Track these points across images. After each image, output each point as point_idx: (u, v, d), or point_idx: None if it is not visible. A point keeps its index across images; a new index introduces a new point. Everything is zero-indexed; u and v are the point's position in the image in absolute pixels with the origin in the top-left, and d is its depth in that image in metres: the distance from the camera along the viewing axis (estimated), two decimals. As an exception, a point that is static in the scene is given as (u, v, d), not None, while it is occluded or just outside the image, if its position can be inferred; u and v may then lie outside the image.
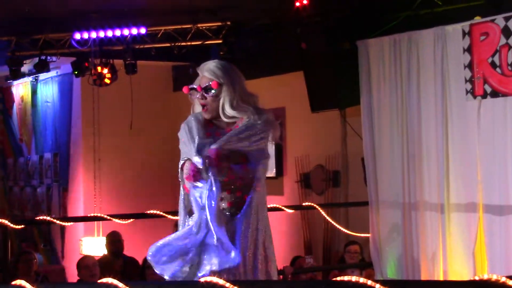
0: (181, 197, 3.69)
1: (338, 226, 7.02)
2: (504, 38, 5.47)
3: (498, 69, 5.53)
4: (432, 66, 5.99)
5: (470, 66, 5.69)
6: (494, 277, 2.69)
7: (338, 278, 2.88)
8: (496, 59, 5.53)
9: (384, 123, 6.47)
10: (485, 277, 2.69)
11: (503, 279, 2.68)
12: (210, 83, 3.66)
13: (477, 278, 2.73)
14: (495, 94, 5.56)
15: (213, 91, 3.66)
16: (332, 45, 7.00)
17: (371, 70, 6.54)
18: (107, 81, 8.43)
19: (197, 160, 3.51)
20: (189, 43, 8.15)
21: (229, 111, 3.64)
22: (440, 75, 5.93)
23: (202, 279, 2.94)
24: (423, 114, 6.09)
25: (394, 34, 6.35)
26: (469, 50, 5.70)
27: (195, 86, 3.71)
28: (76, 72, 8.58)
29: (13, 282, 2.90)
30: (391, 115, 6.39)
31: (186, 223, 3.63)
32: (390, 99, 6.38)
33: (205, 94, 3.68)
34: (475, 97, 5.69)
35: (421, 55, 6.09)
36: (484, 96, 5.62)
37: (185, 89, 3.74)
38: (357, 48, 6.65)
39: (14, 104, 10.93)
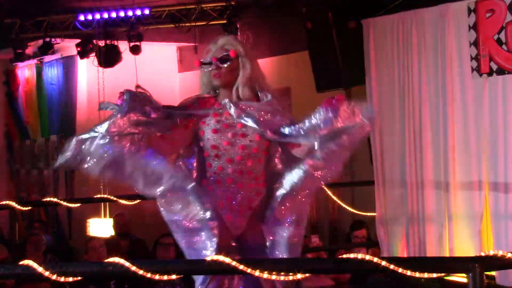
0: None
1: (344, 206, 7.03)
2: (510, 15, 5.44)
3: (504, 46, 5.50)
4: (437, 44, 5.96)
5: (475, 43, 5.66)
6: (500, 253, 2.71)
7: (345, 256, 2.89)
8: (502, 36, 5.50)
9: (389, 102, 6.45)
10: (491, 253, 2.70)
11: (509, 255, 2.69)
12: (227, 53, 3.57)
13: (483, 254, 2.75)
14: (501, 71, 5.53)
15: (230, 60, 3.58)
16: (337, 24, 6.96)
17: (377, 49, 6.50)
18: (111, 62, 8.42)
19: None
20: (193, 24, 8.12)
21: (242, 90, 3.60)
22: (446, 53, 5.90)
23: (208, 258, 2.95)
24: (429, 92, 6.07)
25: (399, 12, 6.31)
26: (474, 27, 5.67)
27: (208, 59, 3.61)
28: (80, 54, 8.57)
29: (21, 262, 2.92)
30: (396, 93, 6.37)
31: None
32: (396, 78, 6.35)
33: (220, 65, 3.60)
34: (481, 74, 5.66)
35: (427, 33, 6.06)
36: (490, 73, 5.60)
37: (196, 63, 3.68)
38: (362, 27, 6.61)
39: (19, 87, 10.93)
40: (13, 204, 6.02)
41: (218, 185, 3.61)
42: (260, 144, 3.61)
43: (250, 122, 3.52)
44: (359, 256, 2.82)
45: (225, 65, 3.58)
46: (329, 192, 6.92)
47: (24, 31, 8.36)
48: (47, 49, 8.54)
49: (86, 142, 3.37)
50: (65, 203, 6.49)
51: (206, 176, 3.65)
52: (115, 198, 6.40)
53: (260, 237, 3.62)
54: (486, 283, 2.71)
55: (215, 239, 3.39)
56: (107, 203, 8.42)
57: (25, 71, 10.79)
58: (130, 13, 7.96)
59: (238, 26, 8.09)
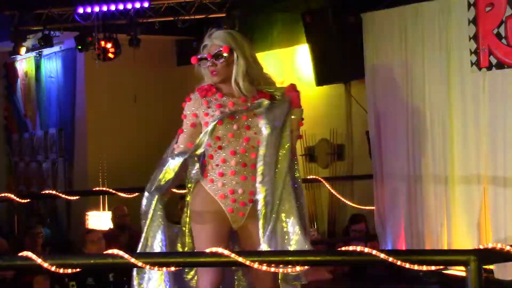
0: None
1: (343, 199, 7.03)
2: (510, 9, 5.43)
3: (503, 41, 5.49)
4: (437, 38, 5.96)
5: (475, 37, 5.66)
6: (498, 246, 2.71)
7: (343, 248, 2.89)
8: (502, 30, 5.49)
9: (388, 96, 6.45)
10: (490, 246, 2.70)
11: (508, 248, 2.70)
12: (221, 49, 3.59)
13: (481, 247, 2.75)
14: (500, 65, 5.53)
15: (224, 57, 3.58)
16: (337, 18, 6.96)
17: (376, 43, 6.50)
18: (110, 55, 8.40)
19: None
20: (192, 17, 8.11)
21: (242, 83, 3.58)
22: (445, 47, 5.90)
23: (207, 250, 2.95)
24: (428, 86, 6.07)
25: (399, 6, 6.31)
26: (474, 21, 5.66)
27: (204, 55, 3.63)
28: (79, 47, 8.56)
29: (20, 254, 2.91)
30: (395, 88, 6.37)
31: None
32: (395, 72, 6.35)
33: (216, 61, 3.60)
34: (480, 69, 5.66)
35: (426, 27, 6.06)
36: (489, 68, 5.60)
37: (193, 60, 3.66)
38: (362, 21, 6.61)
39: (18, 80, 10.92)
40: (12, 196, 6.01)
41: (220, 177, 3.60)
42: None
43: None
44: (358, 248, 2.82)
45: (220, 61, 3.58)
46: (328, 186, 6.93)
47: (23, 23, 8.34)
48: (46, 42, 8.52)
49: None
50: (64, 196, 6.48)
51: (207, 168, 3.64)
52: (114, 191, 6.40)
53: (257, 233, 3.61)
54: (484, 277, 2.71)
55: None
56: (106, 196, 8.42)
57: (24, 64, 10.77)
58: (129, 5, 7.95)
59: (237, 19, 8.08)
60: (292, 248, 3.48)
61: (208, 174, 3.63)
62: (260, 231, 3.52)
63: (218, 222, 3.60)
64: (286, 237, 3.51)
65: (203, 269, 3.57)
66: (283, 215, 3.54)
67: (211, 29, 3.70)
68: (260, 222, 3.53)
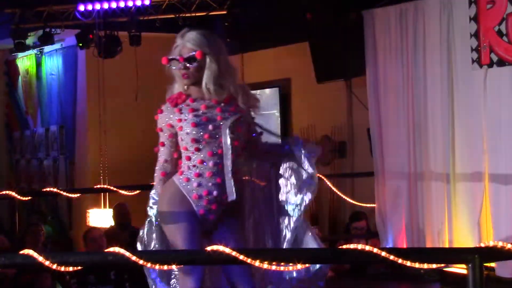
0: None
1: (344, 197, 7.03)
2: (511, 6, 5.43)
3: (504, 38, 5.49)
4: (438, 35, 5.96)
5: (476, 35, 5.66)
6: (499, 244, 2.71)
7: (344, 246, 2.89)
8: (503, 27, 5.49)
9: (390, 93, 6.45)
10: (491, 244, 2.70)
11: (509, 246, 2.70)
12: (194, 53, 3.50)
13: (482, 245, 2.75)
14: (501, 63, 5.53)
15: (196, 62, 3.49)
16: (338, 15, 6.96)
17: (377, 40, 6.50)
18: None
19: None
20: (193, 14, 8.11)
21: (213, 88, 3.50)
22: (446, 44, 5.90)
23: (208, 248, 2.95)
24: (429, 83, 6.07)
25: (400, 3, 6.31)
26: (475, 18, 5.66)
27: (176, 57, 3.54)
28: (80, 44, 8.55)
29: (22, 252, 2.92)
30: (396, 85, 6.37)
31: None
32: (396, 69, 6.35)
33: (188, 65, 3.51)
34: (481, 66, 5.66)
35: (427, 24, 6.06)
36: (491, 65, 5.59)
37: (164, 60, 3.56)
38: (363, 18, 6.61)
39: (19, 77, 10.92)
40: (13, 194, 6.02)
41: (196, 178, 3.54)
42: (241, 137, 3.58)
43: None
44: (359, 246, 2.82)
45: (192, 65, 3.52)
46: (329, 184, 6.92)
47: (24, 21, 8.34)
48: (47, 39, 8.52)
49: None
50: (65, 194, 6.49)
51: (183, 166, 3.59)
52: (115, 189, 6.41)
53: (230, 232, 3.60)
54: (485, 274, 2.71)
55: None
56: (107, 193, 8.42)
57: (25, 62, 10.77)
58: (130, 3, 7.95)
59: (238, 16, 8.08)
60: (310, 245, 3.56)
61: (184, 172, 3.58)
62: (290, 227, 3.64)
63: (190, 222, 3.52)
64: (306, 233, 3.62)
65: (184, 272, 3.52)
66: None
67: (185, 28, 3.64)
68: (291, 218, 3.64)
